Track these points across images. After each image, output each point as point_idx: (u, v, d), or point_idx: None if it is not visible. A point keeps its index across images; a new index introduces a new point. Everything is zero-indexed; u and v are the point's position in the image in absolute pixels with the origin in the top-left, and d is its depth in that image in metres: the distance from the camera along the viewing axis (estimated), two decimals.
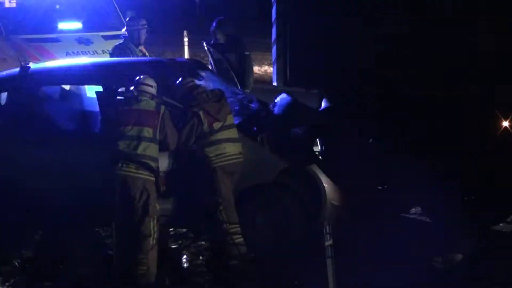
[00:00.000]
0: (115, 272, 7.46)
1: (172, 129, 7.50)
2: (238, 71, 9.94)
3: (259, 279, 7.42)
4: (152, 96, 7.48)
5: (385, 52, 8.64)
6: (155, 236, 7.36)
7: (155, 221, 7.37)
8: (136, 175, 7.32)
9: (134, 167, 7.31)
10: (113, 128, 7.43)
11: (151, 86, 7.50)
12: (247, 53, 10.53)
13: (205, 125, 7.58)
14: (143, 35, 10.21)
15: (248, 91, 9.89)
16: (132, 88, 7.52)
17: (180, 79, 7.81)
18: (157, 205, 7.42)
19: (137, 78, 7.55)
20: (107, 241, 8.34)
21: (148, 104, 7.44)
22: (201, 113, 7.58)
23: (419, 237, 8.26)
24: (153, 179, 7.38)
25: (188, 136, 7.56)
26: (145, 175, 7.34)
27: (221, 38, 10.42)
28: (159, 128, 7.40)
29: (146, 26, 10.21)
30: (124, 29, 10.51)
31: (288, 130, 8.43)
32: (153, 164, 7.37)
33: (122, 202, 7.36)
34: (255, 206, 8.05)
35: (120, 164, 7.31)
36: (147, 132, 7.36)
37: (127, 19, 10.71)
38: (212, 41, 10.30)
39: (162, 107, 7.49)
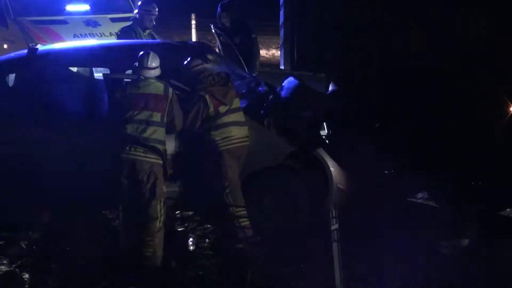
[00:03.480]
0: (122, 254, 7.49)
1: (179, 111, 7.49)
2: (245, 54, 9.95)
3: (265, 262, 7.44)
4: (158, 78, 7.46)
5: (391, 34, 8.61)
6: (162, 218, 7.38)
7: (162, 204, 7.39)
8: (143, 158, 7.32)
9: (142, 150, 7.32)
10: (120, 111, 7.43)
11: (154, 69, 7.44)
12: (253, 35, 10.54)
13: (211, 109, 7.57)
14: (153, 21, 10.39)
15: (255, 74, 9.88)
16: (135, 64, 7.46)
17: (186, 62, 7.80)
18: (164, 188, 7.43)
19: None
20: (114, 224, 8.37)
21: (157, 87, 7.43)
22: (207, 96, 7.57)
23: (425, 222, 8.26)
24: (161, 162, 7.39)
25: (194, 120, 7.56)
26: (152, 158, 7.34)
27: (227, 21, 10.45)
28: (167, 111, 7.40)
29: (157, 14, 10.39)
30: (135, 11, 10.59)
31: (295, 114, 8.41)
32: (160, 147, 7.37)
33: (130, 185, 7.36)
34: (261, 190, 8.06)
35: (128, 148, 7.32)
36: (156, 116, 7.36)
37: (140, 2, 10.74)
38: (218, 25, 10.34)
39: (170, 90, 7.48)
